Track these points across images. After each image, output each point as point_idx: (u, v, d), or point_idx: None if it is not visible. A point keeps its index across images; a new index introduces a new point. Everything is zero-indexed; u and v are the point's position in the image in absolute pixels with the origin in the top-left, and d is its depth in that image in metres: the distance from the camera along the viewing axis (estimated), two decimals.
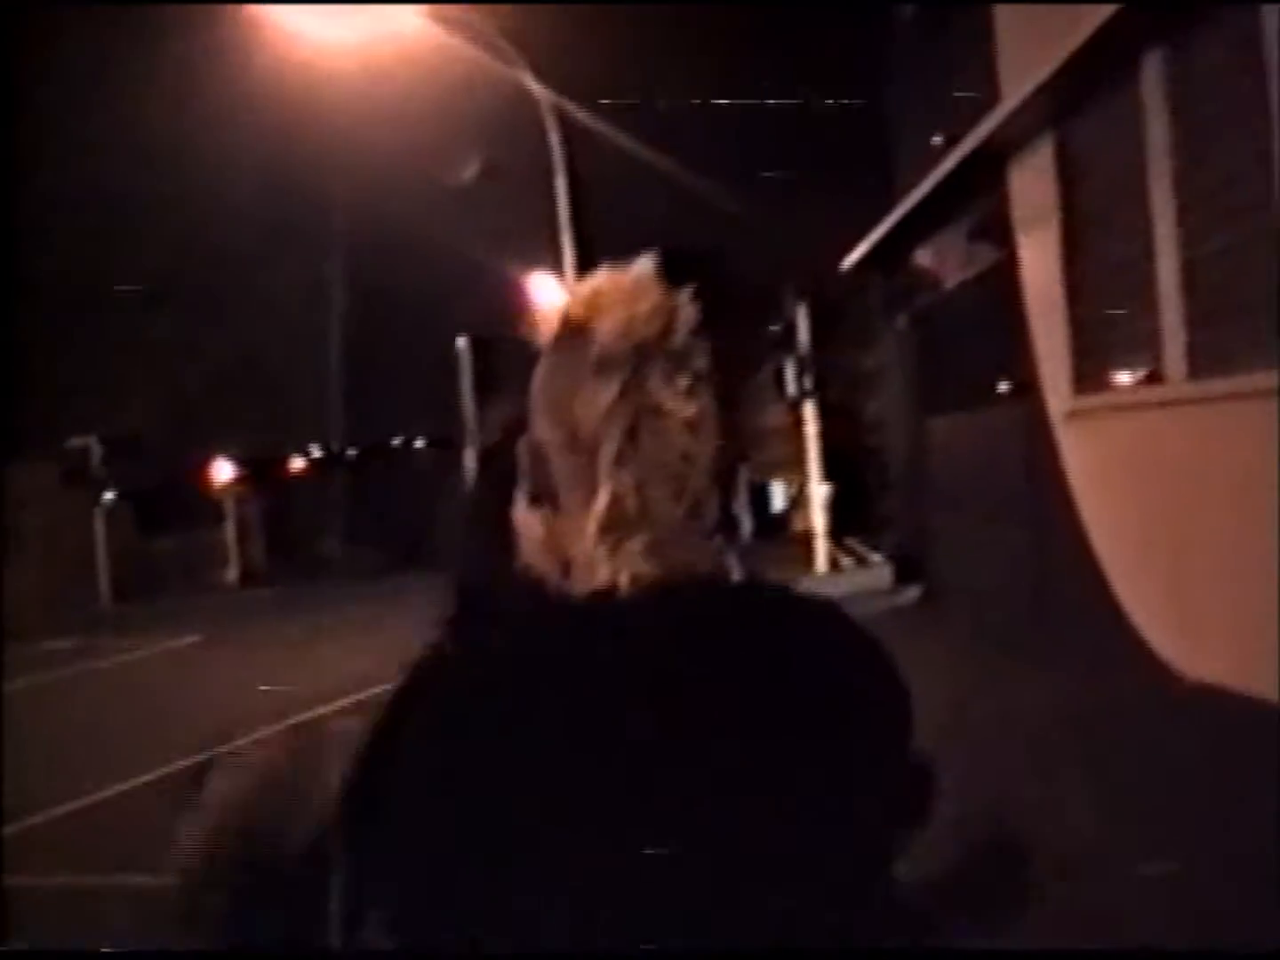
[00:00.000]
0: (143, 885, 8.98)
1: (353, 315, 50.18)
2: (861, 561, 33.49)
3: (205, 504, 51.94)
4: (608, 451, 1.87)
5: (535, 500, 1.96)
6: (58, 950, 5.10)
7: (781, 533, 44.33)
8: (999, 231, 17.43)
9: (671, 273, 1.97)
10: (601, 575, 1.89)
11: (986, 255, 18.31)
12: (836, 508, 35.00)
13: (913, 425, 22.79)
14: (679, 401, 1.89)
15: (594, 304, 1.94)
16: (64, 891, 8.98)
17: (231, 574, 50.80)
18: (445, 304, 45.71)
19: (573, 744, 1.84)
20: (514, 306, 31.35)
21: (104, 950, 4.95)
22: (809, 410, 34.42)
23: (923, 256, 21.92)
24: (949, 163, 17.57)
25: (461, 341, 44.55)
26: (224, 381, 50.72)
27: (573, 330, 1.94)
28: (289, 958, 2.02)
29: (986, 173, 16.95)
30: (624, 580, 1.89)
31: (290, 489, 51.17)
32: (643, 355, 1.88)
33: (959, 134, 17.18)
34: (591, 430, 1.89)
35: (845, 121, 29.37)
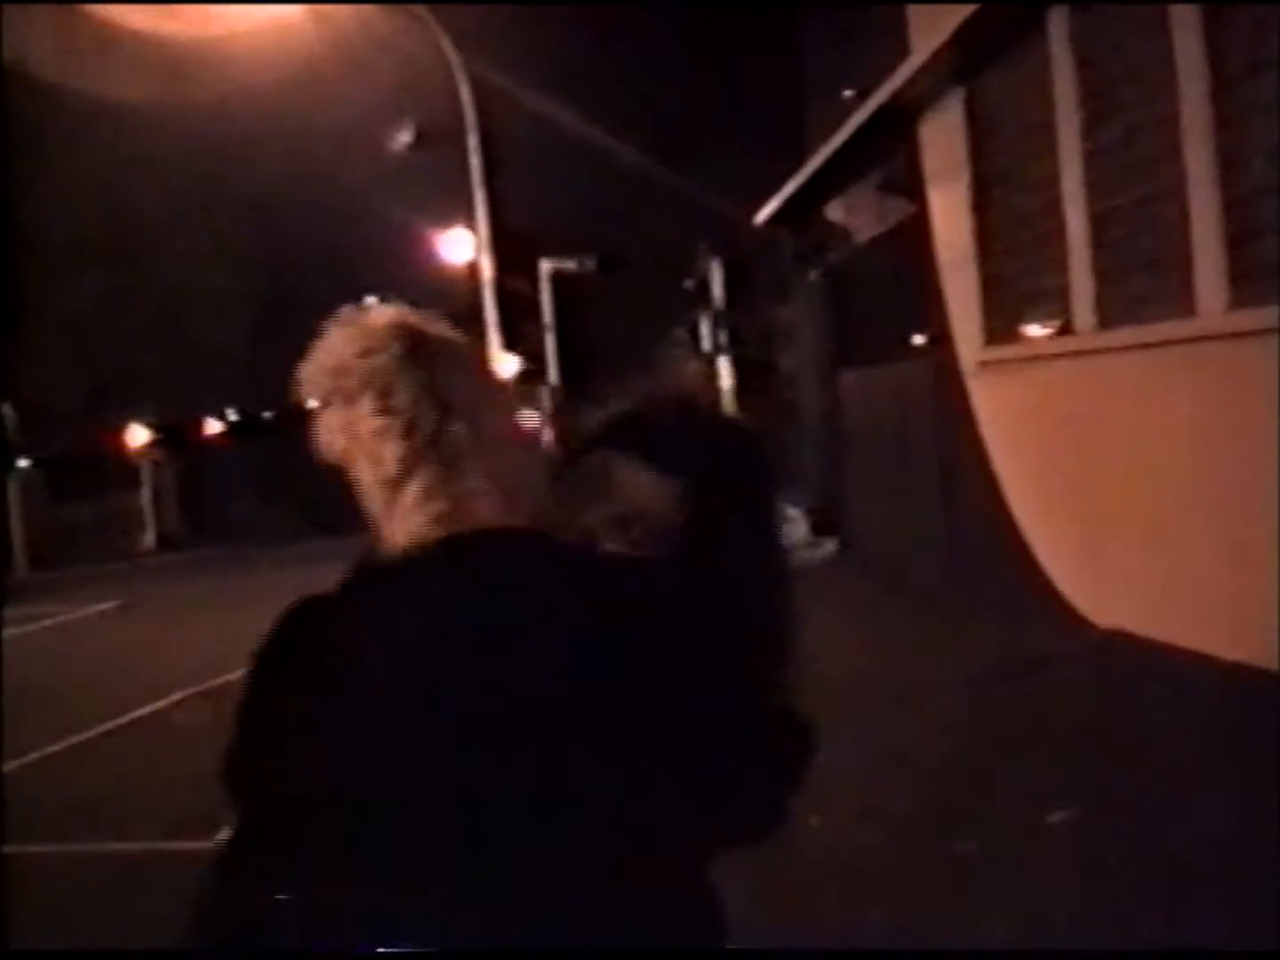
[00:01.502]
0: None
1: (268, 278, 49.85)
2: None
3: (120, 470, 51.47)
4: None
5: None
6: (58, 950, 5.12)
7: None
8: (910, 186, 17.50)
9: None
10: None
11: (898, 209, 18.38)
12: None
13: (827, 379, 22.89)
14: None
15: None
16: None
17: (148, 539, 50.42)
18: (359, 264, 45.49)
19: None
20: (427, 263, 31.27)
21: (103, 950, 4.98)
22: (724, 365, 34.54)
23: (835, 211, 21.98)
24: (860, 117, 17.61)
25: (370, 300, 44.42)
26: (137, 346, 50.28)
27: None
28: (291, 958, 2.06)
29: (897, 127, 17.02)
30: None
31: (206, 453, 50.80)
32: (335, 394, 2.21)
33: (870, 88, 17.23)
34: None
35: (757, 77, 29.38)
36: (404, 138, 30.81)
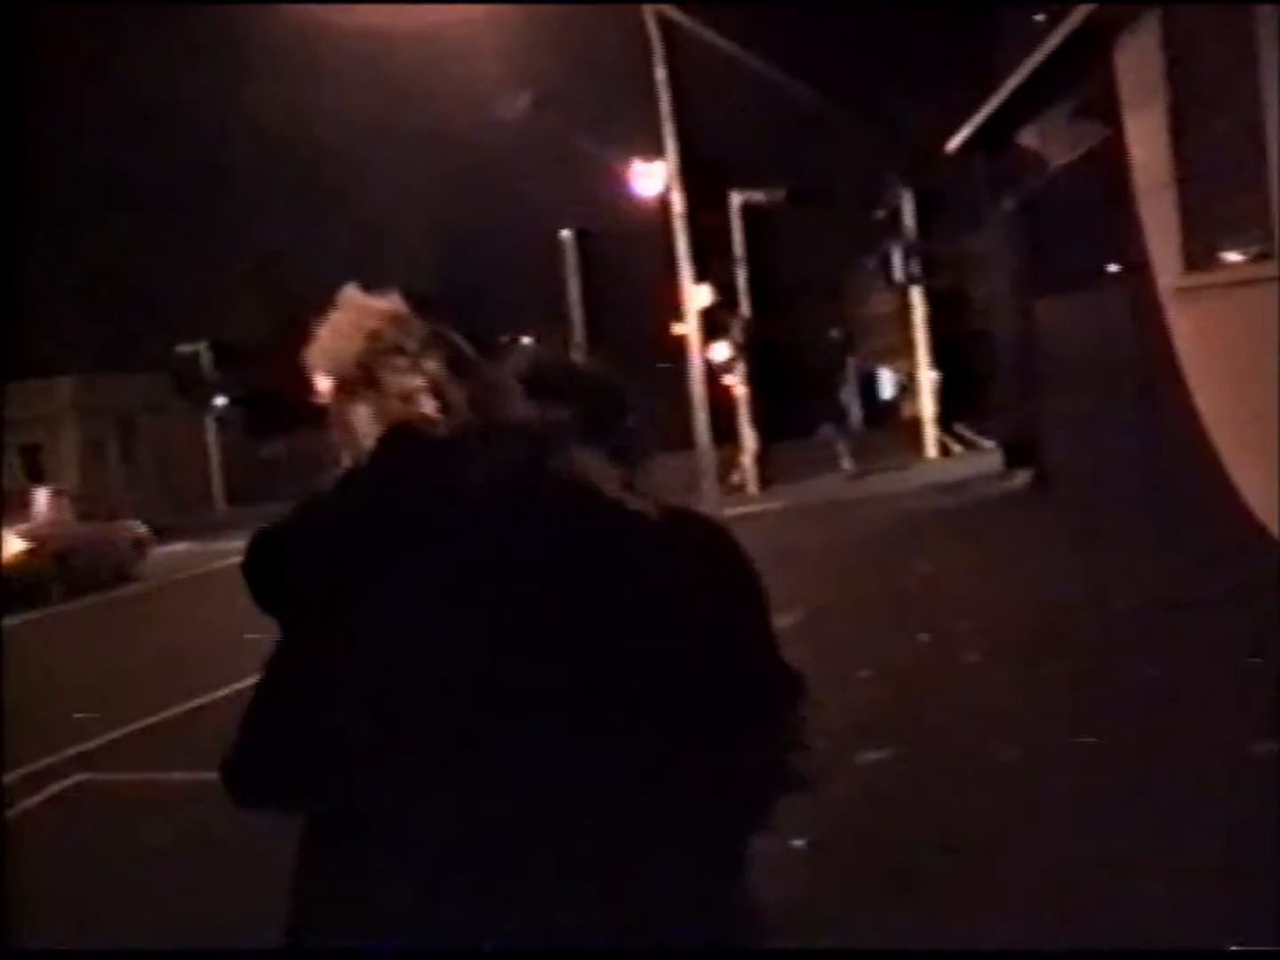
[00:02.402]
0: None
1: (457, 213, 50.23)
2: (971, 447, 33.41)
3: (314, 407, 52.27)
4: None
5: None
6: (59, 950, 5.25)
7: (891, 420, 44.38)
8: (1105, 110, 17.18)
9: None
10: None
11: (1093, 134, 18.06)
12: (946, 394, 34.92)
13: (1021, 308, 22.58)
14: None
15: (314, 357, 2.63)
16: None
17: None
18: (549, 201, 45.67)
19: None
20: (615, 197, 31.32)
21: (104, 951, 5.10)
22: (916, 296, 34.29)
23: (1028, 137, 21.63)
24: (1053, 41, 17.32)
25: (566, 233, 44.64)
26: (329, 282, 50.99)
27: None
28: (290, 957, 2.12)
29: (1091, 50, 16.70)
30: None
31: None
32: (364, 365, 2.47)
33: (1062, 11, 16.93)
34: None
35: (946, 2, 29.03)
36: (521, 104, 31.08)
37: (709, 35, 27.01)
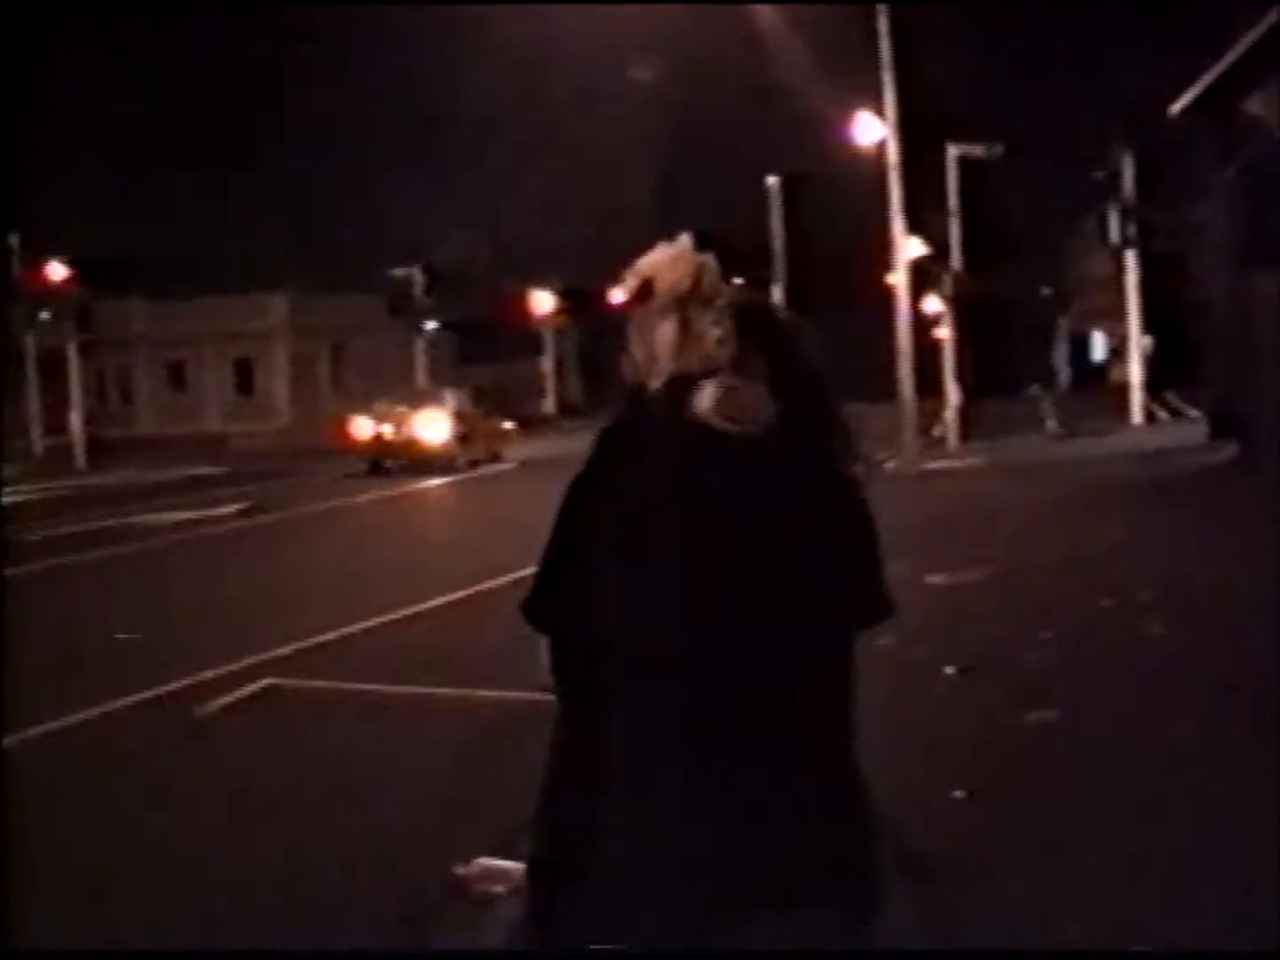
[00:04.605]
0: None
1: (670, 149, 50.25)
2: (1177, 415, 32.93)
3: (523, 335, 52.81)
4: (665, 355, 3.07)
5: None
6: (58, 951, 5.40)
7: (1100, 383, 43.63)
8: None
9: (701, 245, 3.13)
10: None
11: None
12: (1156, 360, 34.44)
13: (1239, 279, 22.18)
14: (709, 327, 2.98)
15: (651, 273, 3.06)
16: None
17: (548, 405, 51.70)
18: (760, 141, 45.59)
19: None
20: (833, 145, 31.18)
21: (104, 950, 5.24)
22: (1131, 260, 33.80)
23: (1254, 104, 21.23)
24: None
25: (773, 180, 44.53)
26: (545, 213, 51.37)
27: (643, 291, 3.06)
28: (306, 957, 2.25)
29: None
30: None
31: (607, 321, 51.77)
32: (683, 301, 2.99)
33: None
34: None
35: None
36: (654, 68, 31.21)
37: None
